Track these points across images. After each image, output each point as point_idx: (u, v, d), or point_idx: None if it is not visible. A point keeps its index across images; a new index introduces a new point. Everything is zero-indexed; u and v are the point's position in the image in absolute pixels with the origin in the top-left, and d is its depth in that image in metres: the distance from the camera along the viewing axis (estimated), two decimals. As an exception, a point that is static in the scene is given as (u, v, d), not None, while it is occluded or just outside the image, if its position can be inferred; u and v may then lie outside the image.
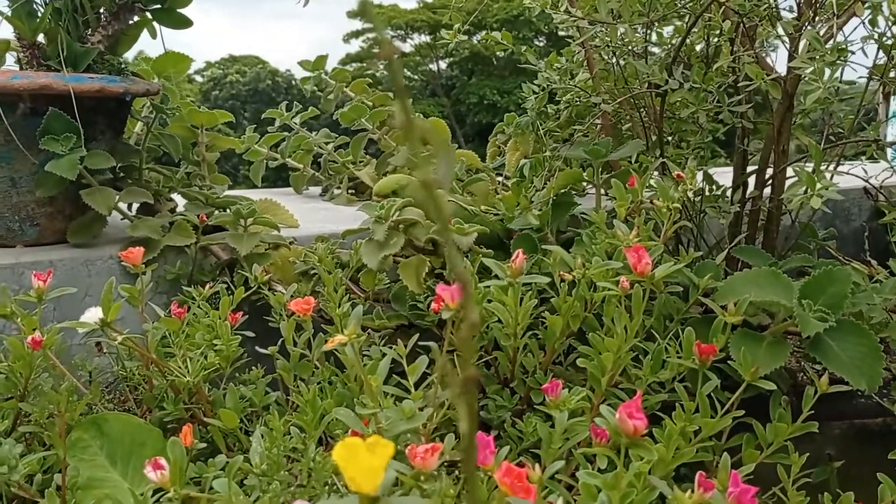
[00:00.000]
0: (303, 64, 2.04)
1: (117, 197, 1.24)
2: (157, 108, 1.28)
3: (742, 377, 0.84)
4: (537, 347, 1.00)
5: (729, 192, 1.32)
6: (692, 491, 0.60)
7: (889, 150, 1.70)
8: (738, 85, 1.09)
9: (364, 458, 0.42)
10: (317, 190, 2.08)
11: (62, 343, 1.02)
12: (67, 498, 0.83)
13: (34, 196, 1.22)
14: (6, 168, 1.19)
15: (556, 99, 1.27)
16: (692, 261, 1.02)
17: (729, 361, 0.87)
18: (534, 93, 1.21)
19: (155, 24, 1.35)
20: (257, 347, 1.01)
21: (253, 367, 1.05)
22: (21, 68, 1.26)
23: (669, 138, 1.22)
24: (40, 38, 1.27)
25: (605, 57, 1.28)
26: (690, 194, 1.29)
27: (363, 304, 1.18)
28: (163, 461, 0.60)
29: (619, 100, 1.19)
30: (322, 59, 2.01)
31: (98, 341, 0.93)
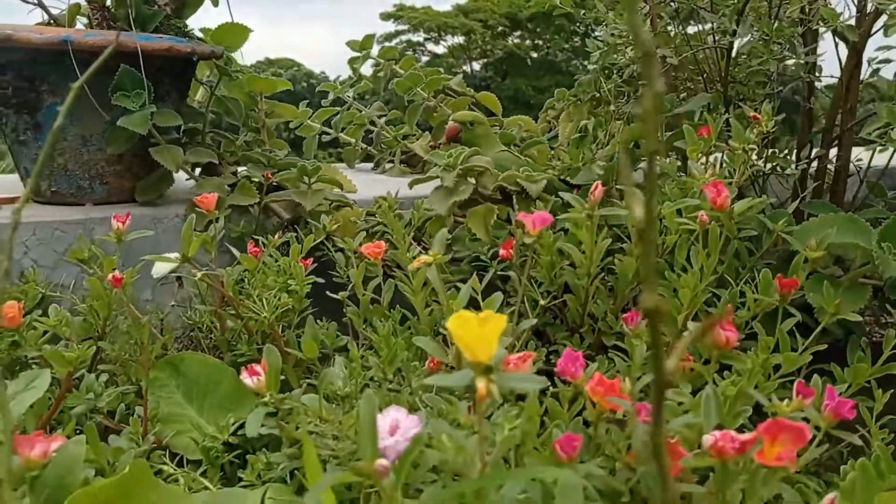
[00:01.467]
0: (350, 44, 2.05)
1: (184, 156, 1.26)
2: (221, 69, 1.31)
3: (819, 321, 0.83)
4: (606, 294, 0.99)
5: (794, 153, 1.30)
6: (790, 399, 0.59)
7: None
8: (810, 31, 1.07)
9: (478, 328, 0.42)
10: (368, 165, 2.10)
11: (133, 295, 1.04)
12: (149, 428, 0.85)
13: (104, 154, 1.25)
14: (77, 126, 1.22)
15: (617, 59, 1.26)
16: (762, 210, 1.01)
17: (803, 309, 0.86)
18: (598, 48, 1.21)
19: (218, -11, 1.37)
20: (328, 292, 1.02)
21: (321, 319, 1.06)
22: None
23: (733, 96, 1.20)
24: (109, 0, 1.30)
25: (667, 17, 1.27)
26: (754, 156, 1.28)
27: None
28: (258, 367, 0.61)
29: (684, 54, 1.18)
30: (370, 38, 2.02)
31: (178, 276, 0.94)
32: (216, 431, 0.83)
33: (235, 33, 1.54)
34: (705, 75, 1.30)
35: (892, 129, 0.86)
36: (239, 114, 1.41)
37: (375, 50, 2.04)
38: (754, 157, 1.28)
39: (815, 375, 0.69)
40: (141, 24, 1.25)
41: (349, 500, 0.60)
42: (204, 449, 0.82)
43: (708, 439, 0.47)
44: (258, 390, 0.61)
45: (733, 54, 1.15)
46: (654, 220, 0.27)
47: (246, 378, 0.60)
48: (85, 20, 1.29)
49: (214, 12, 1.54)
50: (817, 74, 1.22)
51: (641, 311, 0.26)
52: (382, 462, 0.41)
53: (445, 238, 0.71)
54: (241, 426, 0.89)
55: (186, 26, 1.32)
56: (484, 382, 0.43)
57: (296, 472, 0.74)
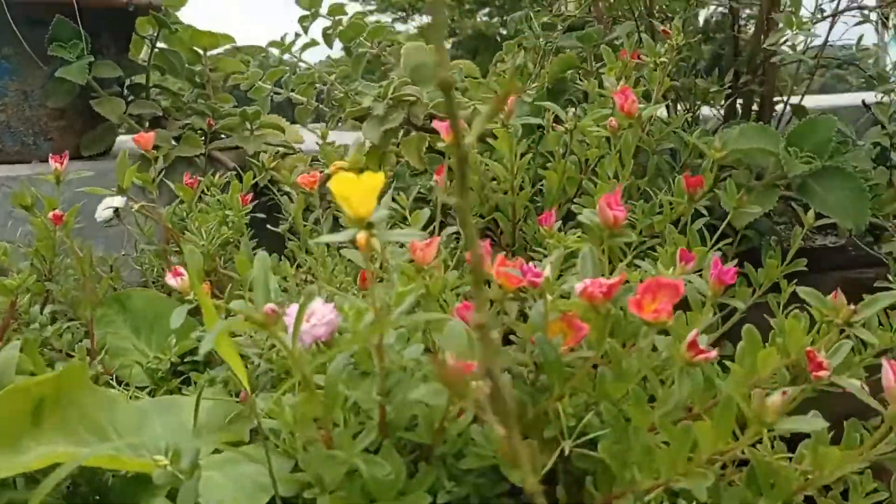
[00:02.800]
0: (299, 2, 2.06)
1: (126, 107, 1.28)
2: (159, 21, 1.32)
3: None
4: (537, 214, 1.03)
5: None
6: (674, 267, 0.64)
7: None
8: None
9: (357, 185, 0.46)
10: (321, 125, 2.12)
11: (83, 241, 1.06)
12: (95, 356, 0.88)
13: (46, 109, 1.26)
14: (18, 81, 1.24)
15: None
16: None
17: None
18: (525, -17, 1.25)
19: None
20: (268, 226, 1.05)
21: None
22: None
23: (660, 22, 1.24)
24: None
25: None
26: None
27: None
28: (181, 269, 0.65)
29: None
30: (318, -3, 2.03)
31: (115, 208, 0.97)
32: (160, 354, 0.87)
33: (180, -8, 1.55)
34: (634, 9, 1.34)
35: (787, 36, 0.90)
36: (180, 67, 1.43)
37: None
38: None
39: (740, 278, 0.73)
40: (76, -22, 1.26)
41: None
42: (149, 370, 0.85)
43: (578, 286, 0.51)
44: (182, 290, 0.64)
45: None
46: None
47: (170, 279, 0.64)
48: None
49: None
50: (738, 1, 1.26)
51: (436, 84, 0.29)
52: (272, 306, 0.45)
53: (361, 141, 0.75)
54: (189, 353, 0.93)
55: (123, -19, 1.34)
56: (364, 235, 0.46)
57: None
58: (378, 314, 0.51)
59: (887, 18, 1.90)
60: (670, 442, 0.53)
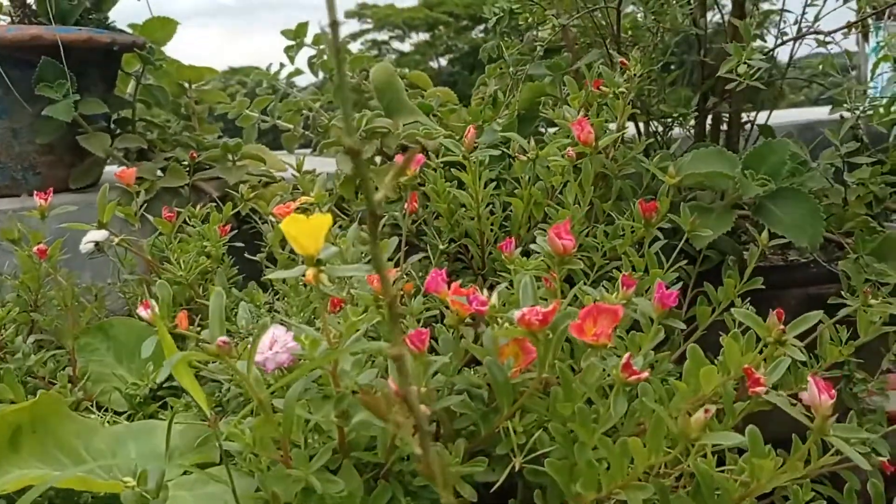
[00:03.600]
0: (285, 33, 2.11)
1: (112, 142, 1.32)
2: (143, 58, 1.37)
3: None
4: (505, 238, 1.07)
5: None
6: (618, 292, 0.67)
7: (871, 85, 1.75)
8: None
9: (306, 225, 0.50)
10: (308, 151, 2.16)
11: (69, 272, 1.10)
12: (78, 385, 0.91)
13: (35, 145, 1.30)
14: (6, 120, 1.28)
15: (519, 22, 1.34)
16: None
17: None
18: (495, 14, 1.29)
19: (138, -18, 1.43)
20: (246, 254, 1.09)
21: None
22: (14, 27, 1.35)
23: (627, 51, 1.29)
24: (30, -1, 1.36)
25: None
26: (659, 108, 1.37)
27: (347, 224, 1.26)
28: (151, 301, 0.68)
29: (576, 17, 1.26)
30: (303, 26, 2.08)
31: (96, 242, 1.01)
32: (138, 380, 0.90)
33: (163, 27, 1.60)
34: (604, 36, 1.38)
35: (740, 64, 0.94)
36: (165, 101, 1.47)
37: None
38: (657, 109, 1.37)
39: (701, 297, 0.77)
40: (61, 18, 1.30)
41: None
42: (128, 396, 0.89)
43: (517, 314, 0.54)
44: (152, 322, 0.68)
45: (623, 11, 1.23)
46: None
47: (141, 311, 0.67)
48: (7, 18, 1.35)
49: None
50: (704, 26, 1.30)
51: (343, 151, 0.33)
52: (223, 339, 0.49)
53: (325, 181, 0.79)
54: (168, 378, 0.96)
55: (108, 18, 1.38)
56: (313, 272, 0.50)
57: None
58: (332, 344, 0.54)
59: (867, 33, 1.95)
60: (609, 457, 0.56)
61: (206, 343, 0.72)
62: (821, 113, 2.40)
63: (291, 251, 1.08)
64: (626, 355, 0.55)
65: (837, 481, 0.81)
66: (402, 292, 0.78)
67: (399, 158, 0.82)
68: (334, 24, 0.33)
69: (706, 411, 0.51)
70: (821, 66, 1.43)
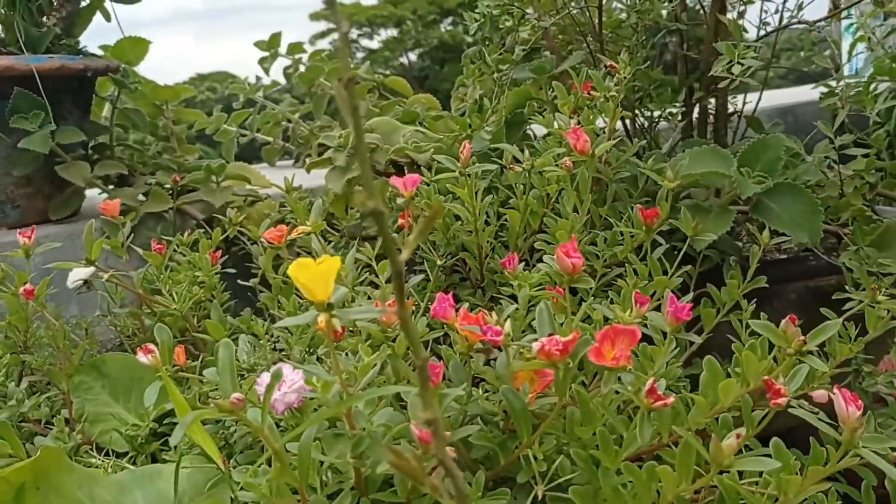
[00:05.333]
0: (258, 44, 2.08)
1: (92, 169, 1.29)
2: (118, 82, 1.33)
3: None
4: (503, 249, 1.05)
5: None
6: (631, 308, 0.66)
7: (846, 65, 1.75)
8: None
9: (314, 270, 0.48)
10: (289, 162, 2.13)
11: (57, 310, 1.07)
12: (76, 429, 0.89)
13: (12, 178, 1.27)
14: (-19, 153, 1.24)
15: (500, 26, 1.32)
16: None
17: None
18: (475, 20, 1.27)
19: (107, 3, 1.40)
20: (239, 281, 1.06)
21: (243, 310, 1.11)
22: (-18, 58, 1.31)
23: (609, 49, 1.27)
24: (-2, 27, 1.32)
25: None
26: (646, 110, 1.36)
27: (338, 241, 1.24)
28: (151, 346, 0.66)
29: (557, 17, 1.24)
30: (276, 37, 2.05)
31: (85, 280, 0.98)
32: (138, 420, 0.87)
33: (134, 47, 1.57)
34: (585, 35, 1.37)
35: (732, 64, 0.93)
36: (143, 123, 1.44)
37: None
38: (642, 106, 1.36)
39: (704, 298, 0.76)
40: (32, 47, 1.27)
41: None
42: (128, 437, 0.86)
43: (536, 345, 0.53)
44: (153, 366, 0.65)
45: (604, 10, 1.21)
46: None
47: (141, 357, 0.65)
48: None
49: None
50: (684, 21, 1.29)
51: (366, 212, 0.31)
52: (237, 395, 0.47)
53: (321, 208, 0.77)
54: (167, 415, 0.94)
55: (79, 44, 1.35)
56: (324, 317, 0.48)
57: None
58: (344, 384, 0.53)
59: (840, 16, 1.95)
60: (635, 484, 0.55)
61: (212, 385, 0.70)
62: (798, 95, 2.40)
63: (285, 275, 1.05)
64: (650, 381, 0.53)
65: (851, 476, 0.81)
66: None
67: (394, 180, 0.80)
68: (350, 81, 0.31)
69: (737, 436, 0.50)
70: (800, 43, 1.42)
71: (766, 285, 0.95)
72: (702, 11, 1.43)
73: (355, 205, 1.05)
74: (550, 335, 0.53)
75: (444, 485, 0.35)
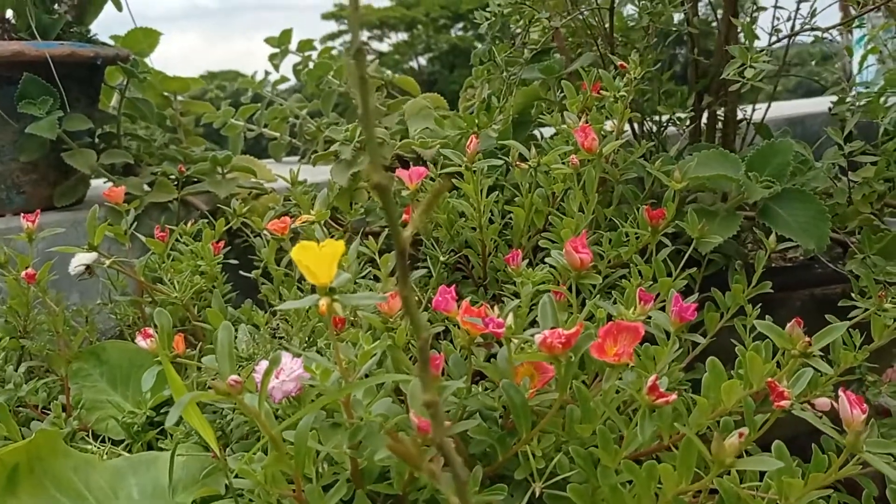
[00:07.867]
0: (269, 40, 2.08)
1: (98, 158, 1.28)
2: (127, 72, 1.33)
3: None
4: (506, 248, 1.05)
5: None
6: (634, 306, 0.65)
7: (857, 76, 1.74)
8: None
9: (317, 253, 0.47)
10: (295, 158, 2.13)
11: (59, 296, 1.06)
12: (73, 415, 0.88)
13: (18, 163, 1.27)
14: (-12, 138, 1.24)
15: (510, 25, 1.32)
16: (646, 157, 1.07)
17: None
18: (486, 19, 1.27)
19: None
20: (241, 272, 1.06)
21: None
22: (-7, 43, 1.31)
23: (619, 52, 1.27)
24: (9, 13, 1.32)
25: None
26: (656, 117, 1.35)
27: (342, 235, 1.23)
28: (150, 330, 0.65)
29: (569, 17, 1.24)
30: (287, 33, 2.04)
31: (87, 265, 0.97)
32: (135, 408, 0.87)
33: (146, 37, 1.57)
34: (595, 37, 1.36)
35: (745, 68, 0.92)
36: (150, 114, 1.44)
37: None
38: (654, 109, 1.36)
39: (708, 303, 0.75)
40: (42, 33, 1.27)
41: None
42: (125, 425, 0.86)
43: (538, 337, 0.52)
44: (152, 351, 0.65)
45: (616, 13, 1.21)
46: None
47: (140, 341, 0.65)
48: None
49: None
50: (696, 26, 1.28)
51: (370, 187, 0.31)
52: (235, 378, 0.46)
53: (327, 199, 0.76)
54: (165, 403, 0.93)
55: (89, 31, 1.35)
56: (326, 301, 0.47)
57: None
58: (343, 372, 0.52)
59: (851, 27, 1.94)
60: (635, 482, 0.54)
61: (211, 372, 0.70)
62: (809, 105, 2.39)
63: (287, 267, 1.05)
64: (653, 377, 0.53)
65: (851, 487, 0.80)
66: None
67: (400, 172, 0.79)
68: (359, 52, 0.31)
69: (740, 435, 0.49)
70: (810, 57, 1.42)
71: (771, 291, 0.94)
72: (713, 21, 1.43)
73: (363, 179, 1.04)
74: (553, 328, 0.53)
75: (442, 472, 0.35)
